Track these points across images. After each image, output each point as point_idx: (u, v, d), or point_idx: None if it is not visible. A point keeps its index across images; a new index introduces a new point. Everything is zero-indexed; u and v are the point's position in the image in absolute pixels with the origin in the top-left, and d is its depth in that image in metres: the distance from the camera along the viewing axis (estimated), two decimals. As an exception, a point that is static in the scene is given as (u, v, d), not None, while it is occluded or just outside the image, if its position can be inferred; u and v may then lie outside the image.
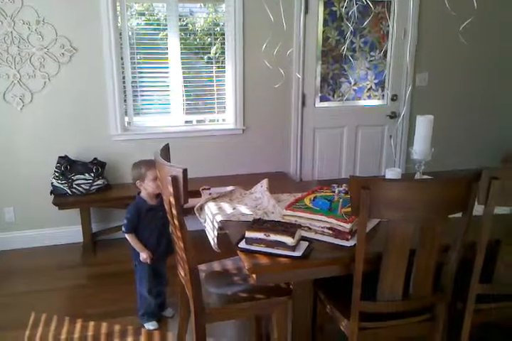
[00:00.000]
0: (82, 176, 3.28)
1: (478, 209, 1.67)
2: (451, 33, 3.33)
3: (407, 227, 1.57)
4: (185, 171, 1.64)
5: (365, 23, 3.64)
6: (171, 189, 1.65)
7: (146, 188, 2.36)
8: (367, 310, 1.66)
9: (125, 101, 3.53)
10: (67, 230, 3.52)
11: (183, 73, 3.63)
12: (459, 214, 1.64)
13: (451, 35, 3.44)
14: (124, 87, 3.50)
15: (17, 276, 3.06)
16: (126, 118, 3.56)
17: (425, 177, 2.31)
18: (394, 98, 4.06)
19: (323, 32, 3.82)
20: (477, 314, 1.80)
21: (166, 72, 3.60)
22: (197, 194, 2.30)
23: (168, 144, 2.05)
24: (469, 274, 1.74)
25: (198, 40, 3.68)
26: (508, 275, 1.80)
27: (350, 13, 3.51)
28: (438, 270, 1.70)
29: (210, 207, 2.13)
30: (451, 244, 1.68)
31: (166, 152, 1.99)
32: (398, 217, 1.56)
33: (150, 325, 2.47)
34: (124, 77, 3.49)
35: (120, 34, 3.40)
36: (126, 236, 2.37)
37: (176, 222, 1.73)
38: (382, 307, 1.68)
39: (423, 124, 2.26)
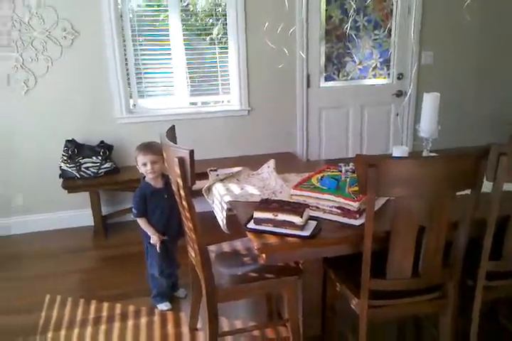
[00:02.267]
0: (89, 159, 3.29)
1: (487, 186, 1.66)
2: (455, 9, 3.27)
3: (414, 205, 1.57)
4: (191, 152, 1.64)
5: (368, 1, 3.57)
6: (178, 170, 1.65)
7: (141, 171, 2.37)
8: (377, 288, 1.67)
9: (129, 84, 3.51)
10: (77, 213, 3.55)
11: (186, 55, 3.59)
12: (467, 191, 1.63)
13: (455, 11, 3.38)
14: (127, 69, 3.48)
15: (29, 260, 3.09)
16: (131, 101, 3.55)
17: (433, 154, 2.29)
18: (400, 76, 4.01)
19: (326, 11, 3.75)
20: (487, 291, 1.80)
21: (169, 54, 3.57)
22: (204, 175, 2.30)
23: (173, 126, 2.04)
24: (479, 251, 1.74)
25: (199, 21, 3.63)
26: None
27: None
28: (447, 248, 1.71)
29: (218, 188, 2.14)
30: (460, 221, 1.68)
31: (172, 133, 1.98)
32: (406, 194, 1.55)
33: (163, 306, 2.50)
34: (126, 60, 3.46)
35: (121, 16, 3.36)
36: (138, 220, 2.39)
37: (185, 203, 1.73)
38: (392, 285, 1.69)
39: (429, 102, 2.24)
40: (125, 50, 3.44)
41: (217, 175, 2.26)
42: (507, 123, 4.17)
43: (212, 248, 2.12)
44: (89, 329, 2.35)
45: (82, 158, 3.28)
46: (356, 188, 1.68)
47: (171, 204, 2.32)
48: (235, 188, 2.11)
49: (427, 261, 1.68)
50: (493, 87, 4.25)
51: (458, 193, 1.61)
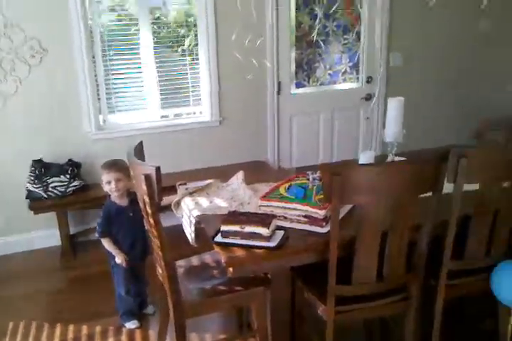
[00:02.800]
0: (57, 178, 3.23)
1: (448, 187, 1.69)
2: (422, 12, 3.32)
3: (378, 211, 1.60)
4: (158, 169, 1.65)
5: (335, 6, 3.62)
6: (144, 187, 1.65)
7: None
8: (342, 293, 1.69)
9: (99, 99, 3.49)
10: (44, 234, 3.45)
11: (157, 67, 3.58)
12: (429, 193, 1.66)
13: (421, 14, 3.44)
14: (97, 85, 3.46)
15: (-5, 283, 3.02)
16: (101, 117, 3.53)
17: (398, 158, 2.33)
18: (369, 80, 4.06)
19: (296, 17, 3.79)
20: (450, 289, 1.85)
21: (140, 67, 3.56)
22: (174, 189, 2.30)
23: (141, 142, 2.04)
24: (441, 251, 1.78)
25: (171, 32, 3.64)
26: (478, 250, 1.84)
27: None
28: (410, 250, 1.74)
29: (187, 203, 2.14)
30: (423, 223, 1.71)
31: (139, 150, 1.98)
32: (369, 201, 1.58)
33: (131, 324, 2.48)
34: (96, 75, 3.44)
35: (91, 32, 3.35)
36: (101, 240, 2.38)
37: (151, 220, 1.74)
38: (358, 290, 1.71)
39: (393, 106, 2.27)
40: (95, 65, 3.42)
41: (187, 188, 2.27)
42: (475, 122, 4.26)
43: (181, 263, 2.11)
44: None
45: (50, 178, 3.22)
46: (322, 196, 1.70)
47: (137, 223, 2.31)
48: (204, 201, 2.11)
49: (391, 265, 1.71)
50: (460, 88, 4.32)
51: (421, 195, 1.64)
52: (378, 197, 1.58)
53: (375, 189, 1.56)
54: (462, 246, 1.83)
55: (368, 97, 4.06)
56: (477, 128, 4.18)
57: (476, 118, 4.24)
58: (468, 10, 4.02)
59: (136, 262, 2.43)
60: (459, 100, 4.33)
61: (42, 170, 3.23)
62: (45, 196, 3.23)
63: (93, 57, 3.39)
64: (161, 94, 3.65)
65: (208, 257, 2.16)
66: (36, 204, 3.22)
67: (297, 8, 3.77)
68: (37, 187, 3.22)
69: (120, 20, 3.51)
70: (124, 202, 2.38)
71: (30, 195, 3.25)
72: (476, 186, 1.75)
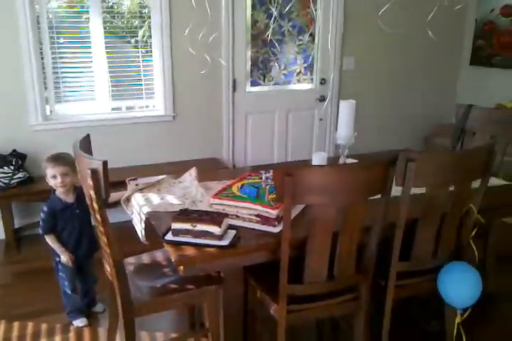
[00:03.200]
0: (0, 170, 3.09)
1: (397, 190, 1.74)
2: (373, 17, 3.41)
3: (329, 211, 1.62)
4: (105, 163, 1.59)
5: (288, 7, 3.64)
6: (90, 182, 1.59)
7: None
8: (294, 293, 1.70)
9: (46, 88, 3.35)
10: (-14, 227, 3.32)
11: (108, 57, 3.48)
12: (378, 196, 1.70)
13: (373, 20, 3.52)
14: (44, 73, 3.32)
15: None
16: (48, 107, 3.39)
17: (350, 160, 2.37)
18: (322, 82, 4.12)
19: (252, 15, 3.79)
20: (398, 289, 1.90)
21: (90, 57, 3.44)
22: (124, 185, 2.24)
23: (88, 135, 1.97)
24: (390, 253, 1.83)
25: (124, 22, 3.53)
26: (425, 252, 1.91)
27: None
28: (360, 250, 1.78)
29: (137, 199, 2.09)
30: (372, 225, 1.75)
31: (86, 143, 1.91)
32: (320, 202, 1.60)
33: (79, 322, 2.40)
34: (43, 63, 3.30)
35: (38, 17, 3.20)
36: (45, 237, 2.28)
37: (98, 217, 1.68)
38: (309, 289, 1.73)
39: (345, 109, 2.31)
40: (42, 52, 3.27)
41: (137, 184, 2.21)
42: (424, 127, 4.43)
43: (131, 260, 2.06)
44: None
45: (-8, 168, 3.08)
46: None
47: (83, 219, 2.25)
48: (155, 198, 2.07)
49: (341, 265, 1.74)
50: (410, 92, 4.48)
51: (370, 198, 1.68)
52: (329, 198, 1.60)
53: (326, 190, 1.58)
54: (410, 248, 1.88)
55: (322, 99, 4.13)
56: (426, 133, 4.38)
57: (425, 123, 4.45)
58: (416, 19, 4.16)
59: (82, 260, 2.35)
60: (410, 105, 4.49)
61: (-17, 160, 3.07)
62: (-12, 187, 3.08)
63: (40, 44, 3.25)
64: (112, 86, 3.55)
65: (159, 254, 2.12)
66: (-22, 196, 3.06)
67: (253, 6, 3.76)
68: (-22, 179, 3.06)
69: (71, 7, 3.37)
70: (69, 198, 2.29)
71: (-29, 186, 3.08)
72: (423, 189, 1.81)
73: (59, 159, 2.22)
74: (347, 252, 1.73)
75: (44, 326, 2.39)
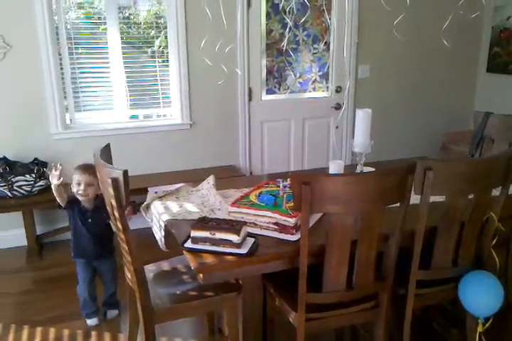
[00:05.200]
0: (22, 177, 3.15)
1: (416, 198, 1.74)
2: (388, 26, 3.42)
3: (347, 220, 1.62)
4: (125, 173, 1.61)
5: (305, 16, 3.67)
6: (111, 191, 1.62)
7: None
8: (313, 301, 1.70)
9: (65, 97, 3.41)
10: (10, 234, 3.38)
11: (126, 67, 3.54)
12: (397, 204, 1.70)
13: (387, 29, 3.54)
14: (64, 83, 3.39)
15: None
16: (68, 116, 3.45)
17: (367, 168, 2.37)
18: (338, 90, 4.13)
19: (266, 25, 3.82)
20: (418, 298, 1.88)
21: (107, 67, 3.51)
22: (142, 192, 2.28)
23: (109, 144, 2.00)
24: (409, 261, 1.81)
25: (141, 32, 3.60)
26: (445, 260, 1.90)
27: (289, 6, 3.53)
28: (379, 259, 1.77)
29: (156, 207, 2.11)
30: (391, 233, 1.75)
31: (106, 152, 1.94)
32: (338, 210, 1.60)
33: (90, 321, 2.46)
34: (63, 73, 3.37)
35: (57, 28, 3.27)
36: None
37: (119, 225, 1.70)
38: (328, 298, 1.73)
39: (362, 118, 2.32)
40: (61, 63, 3.34)
41: (156, 192, 2.24)
42: (439, 134, 4.40)
43: (151, 267, 2.08)
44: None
45: (15, 177, 3.13)
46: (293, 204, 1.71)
47: (91, 230, 2.35)
48: (174, 206, 2.09)
49: (360, 273, 1.73)
50: (428, 98, 4.45)
51: (389, 206, 1.68)
52: (347, 207, 1.60)
53: (343, 199, 1.58)
54: (430, 257, 1.87)
55: (338, 107, 4.14)
56: (443, 140, 4.35)
57: (442, 131, 4.43)
58: (431, 27, 4.17)
59: (95, 260, 2.42)
60: (426, 112, 4.48)
61: (6, 168, 3.14)
62: (10, 195, 3.14)
63: (59, 55, 3.32)
64: (130, 95, 3.60)
65: (178, 262, 2.13)
66: (1, 203, 3.13)
67: (267, 15, 3.80)
68: (1, 186, 3.13)
69: (88, 18, 3.45)
70: (89, 205, 2.35)
71: (-6, 194, 3.15)
72: (443, 197, 1.81)
73: (88, 169, 2.28)
74: (366, 260, 1.72)
75: (66, 332, 2.43)
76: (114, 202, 1.65)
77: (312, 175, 1.58)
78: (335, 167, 2.27)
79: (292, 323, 1.75)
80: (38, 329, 2.45)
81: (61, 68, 3.35)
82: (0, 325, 2.49)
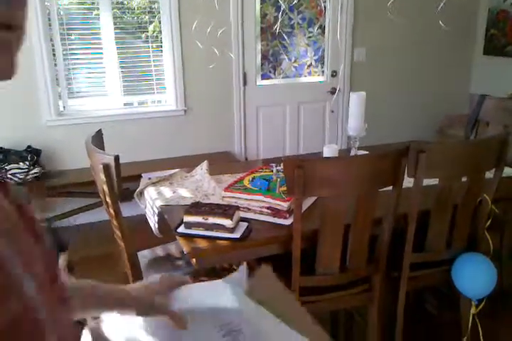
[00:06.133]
0: (16, 165, 3.13)
1: (410, 181, 1.73)
2: (383, 8, 3.38)
3: (340, 203, 1.62)
4: (117, 158, 1.61)
5: (297, -1, 3.63)
6: (103, 177, 1.61)
7: None
8: (306, 284, 1.71)
9: (58, 84, 3.38)
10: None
11: (119, 53, 3.50)
12: (390, 187, 1.69)
13: (383, 10, 3.50)
14: (56, 69, 3.35)
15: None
16: (61, 102, 3.42)
17: (361, 152, 2.37)
18: (333, 74, 4.10)
19: (260, 8, 3.77)
20: (412, 281, 1.90)
21: (101, 53, 3.47)
22: (136, 179, 2.27)
23: (100, 130, 1.99)
24: (403, 244, 1.82)
25: (135, 18, 3.55)
26: (439, 243, 1.90)
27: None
28: (372, 242, 1.77)
29: (150, 193, 2.11)
30: (384, 216, 1.75)
31: (98, 138, 1.93)
32: (331, 193, 1.60)
33: None
34: (55, 60, 3.33)
35: (49, 14, 3.22)
36: None
37: (112, 211, 1.70)
38: (321, 281, 1.74)
39: (356, 101, 2.31)
40: (53, 49, 3.30)
41: (149, 178, 2.23)
42: (436, 118, 4.38)
43: (145, 253, 2.09)
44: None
45: (8, 164, 3.12)
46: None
47: None
48: (167, 192, 2.09)
49: (353, 256, 1.74)
50: (424, 81, 4.42)
51: (382, 189, 1.68)
52: (340, 190, 1.60)
53: (336, 182, 1.58)
54: (424, 239, 1.87)
55: (333, 91, 4.10)
56: (439, 123, 4.34)
57: (438, 114, 4.41)
58: (427, 9, 4.11)
59: None
60: (422, 95, 4.45)
61: (-1, 156, 3.12)
62: (3, 183, 3.12)
63: (51, 41, 3.28)
64: (124, 81, 3.57)
65: (173, 247, 2.14)
66: (-7, 191, 3.10)
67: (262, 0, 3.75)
68: (-6, 174, 3.12)
69: (81, 3, 3.39)
70: None
71: (-14, 182, 3.13)
72: (436, 180, 1.80)
73: None
74: (359, 244, 1.72)
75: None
76: (105, 188, 1.64)
77: (305, 159, 1.58)
78: (329, 151, 2.27)
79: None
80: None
81: (53, 54, 3.31)
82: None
